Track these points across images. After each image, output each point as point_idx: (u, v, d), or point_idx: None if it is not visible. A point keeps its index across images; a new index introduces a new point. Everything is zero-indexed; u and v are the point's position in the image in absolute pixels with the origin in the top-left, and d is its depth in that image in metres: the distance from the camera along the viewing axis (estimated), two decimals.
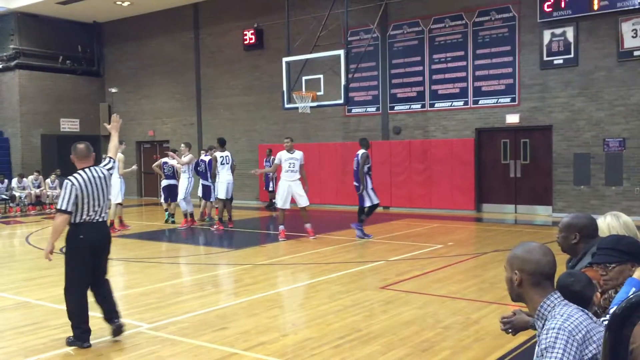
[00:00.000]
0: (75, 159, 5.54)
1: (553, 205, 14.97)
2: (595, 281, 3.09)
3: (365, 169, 11.47)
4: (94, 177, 5.42)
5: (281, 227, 11.69)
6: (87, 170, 5.44)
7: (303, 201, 11.63)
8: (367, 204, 11.55)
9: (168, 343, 5.41)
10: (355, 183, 11.64)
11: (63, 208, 5.25)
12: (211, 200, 14.67)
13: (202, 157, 15.05)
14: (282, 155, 11.72)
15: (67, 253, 5.42)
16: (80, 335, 5.32)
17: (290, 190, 11.62)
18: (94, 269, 5.48)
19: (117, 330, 5.45)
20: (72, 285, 5.40)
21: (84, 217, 5.33)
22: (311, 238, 11.56)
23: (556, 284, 2.91)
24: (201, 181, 14.85)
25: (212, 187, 14.44)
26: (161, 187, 15.18)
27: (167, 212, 14.86)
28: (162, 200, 15.17)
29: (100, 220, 5.47)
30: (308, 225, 11.71)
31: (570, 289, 2.81)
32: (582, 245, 3.63)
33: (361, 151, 11.50)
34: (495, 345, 5.15)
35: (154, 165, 15.84)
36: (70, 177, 5.37)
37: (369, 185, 11.57)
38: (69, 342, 5.37)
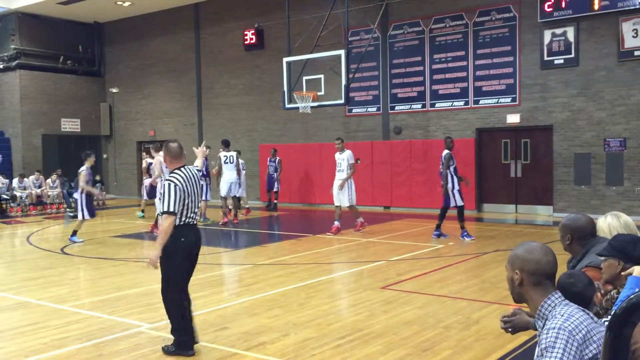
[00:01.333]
0: (168, 158, 5.27)
1: (554, 205, 14.97)
2: (597, 282, 3.10)
3: (451, 169, 11.43)
4: (190, 176, 5.17)
5: (335, 223, 12.30)
6: (182, 169, 5.16)
7: (343, 202, 12.30)
8: (452, 204, 11.47)
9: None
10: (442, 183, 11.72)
11: (170, 210, 4.95)
12: (204, 199, 14.66)
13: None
14: (336, 156, 12.58)
15: (168, 257, 5.07)
16: (185, 344, 5.06)
17: (337, 188, 12.31)
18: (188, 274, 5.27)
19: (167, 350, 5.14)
20: (175, 291, 5.15)
21: (184, 219, 5.07)
22: (354, 230, 12.20)
23: (557, 284, 2.92)
24: None
25: (204, 186, 14.52)
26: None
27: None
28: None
29: (195, 222, 5.24)
30: (359, 220, 12.37)
31: (572, 289, 2.82)
32: (576, 246, 3.65)
33: (445, 151, 11.48)
34: (496, 345, 5.15)
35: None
36: (169, 178, 5.08)
37: (455, 187, 11.44)
38: (169, 352, 5.06)
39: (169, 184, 5.01)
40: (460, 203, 11.48)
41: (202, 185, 5.39)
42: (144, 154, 17.16)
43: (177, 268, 5.09)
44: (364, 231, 12.38)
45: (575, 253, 3.69)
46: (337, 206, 12.41)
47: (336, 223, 12.30)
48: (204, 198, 14.67)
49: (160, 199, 5.78)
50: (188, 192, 5.07)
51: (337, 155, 12.46)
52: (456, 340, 5.34)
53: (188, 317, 5.17)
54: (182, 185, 5.03)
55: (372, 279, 8.19)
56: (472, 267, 8.89)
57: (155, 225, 12.32)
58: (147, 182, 14.87)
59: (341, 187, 12.23)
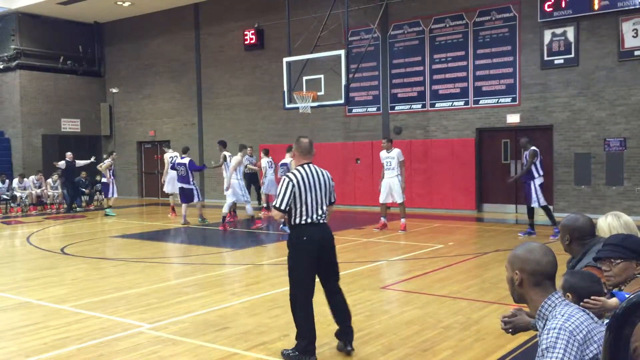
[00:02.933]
0: (297, 154, 5.15)
1: (554, 205, 14.94)
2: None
3: (533, 167, 11.29)
4: (314, 174, 5.02)
5: (382, 220, 12.68)
6: (305, 166, 5.05)
7: (397, 198, 12.40)
8: (534, 204, 11.37)
9: (169, 343, 5.41)
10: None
11: (277, 205, 4.90)
12: (195, 201, 14.64)
13: (179, 160, 15.08)
14: (381, 155, 12.70)
15: (292, 258, 5.04)
16: (306, 349, 4.89)
17: (387, 186, 12.46)
18: (324, 274, 5.14)
19: (343, 349, 5.04)
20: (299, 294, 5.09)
21: (305, 217, 4.94)
22: (400, 232, 12.18)
23: (566, 285, 2.92)
24: (181, 184, 14.73)
25: (194, 190, 14.58)
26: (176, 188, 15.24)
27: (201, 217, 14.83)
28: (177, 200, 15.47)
29: (323, 221, 5.05)
30: (402, 220, 12.42)
31: (591, 289, 2.82)
32: (575, 246, 3.66)
33: (531, 148, 11.46)
34: (496, 345, 5.15)
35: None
36: (288, 174, 5.02)
37: (535, 185, 11.29)
38: (289, 357, 4.92)
39: (284, 180, 4.95)
40: (542, 203, 11.36)
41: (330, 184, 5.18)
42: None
43: (303, 269, 5.02)
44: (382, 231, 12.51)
45: (574, 253, 3.70)
46: (382, 204, 12.66)
47: (383, 219, 12.70)
48: (193, 201, 14.66)
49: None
50: (306, 189, 4.91)
51: (385, 154, 12.58)
52: (456, 341, 5.34)
53: (310, 321, 5.03)
54: (297, 181, 4.91)
55: (372, 279, 8.19)
56: (472, 267, 8.90)
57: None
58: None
59: (402, 187, 12.40)
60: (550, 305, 2.43)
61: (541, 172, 11.42)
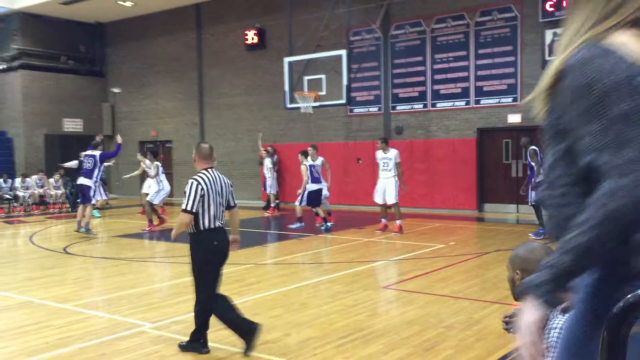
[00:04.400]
0: (198, 159, 5.30)
1: None
2: None
3: (532, 164, 11.37)
4: (216, 178, 5.21)
5: (382, 221, 12.53)
6: (209, 170, 5.22)
7: (390, 198, 12.26)
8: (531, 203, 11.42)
9: (171, 342, 5.43)
10: None
11: (188, 208, 5.01)
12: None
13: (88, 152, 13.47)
14: (377, 155, 12.56)
15: (203, 262, 5.19)
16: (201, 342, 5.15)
17: (383, 187, 12.36)
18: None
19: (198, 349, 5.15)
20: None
21: (213, 221, 5.12)
22: (394, 234, 12.00)
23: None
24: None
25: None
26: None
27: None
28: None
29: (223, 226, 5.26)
30: (398, 222, 12.24)
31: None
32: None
33: (531, 148, 11.54)
34: (497, 345, 5.16)
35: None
36: (196, 177, 5.16)
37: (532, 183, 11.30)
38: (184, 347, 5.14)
39: (192, 183, 5.08)
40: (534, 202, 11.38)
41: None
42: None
43: (214, 272, 5.20)
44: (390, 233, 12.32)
45: None
46: (381, 205, 12.53)
47: (383, 220, 12.60)
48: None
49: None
50: (212, 193, 5.11)
51: (381, 155, 12.41)
52: (458, 340, 5.36)
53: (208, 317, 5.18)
54: (205, 185, 5.08)
55: (374, 278, 8.20)
56: (473, 267, 8.91)
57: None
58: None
59: (401, 188, 12.39)
60: None
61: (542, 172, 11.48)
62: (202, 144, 5.42)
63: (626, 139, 1.42)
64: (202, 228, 5.10)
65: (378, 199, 12.48)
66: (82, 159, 13.49)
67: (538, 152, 11.45)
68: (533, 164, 11.28)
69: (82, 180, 13.04)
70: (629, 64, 1.47)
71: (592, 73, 1.47)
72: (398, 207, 12.43)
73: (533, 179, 11.31)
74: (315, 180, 12.69)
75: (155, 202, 13.61)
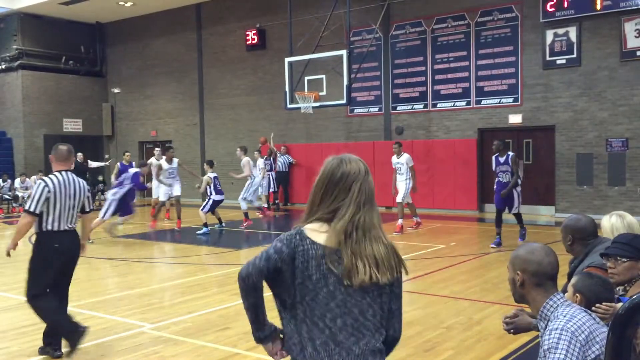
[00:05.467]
0: (55, 161, 5.25)
1: (556, 206, 14.95)
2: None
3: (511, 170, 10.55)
4: (70, 181, 5.15)
5: (399, 222, 12.52)
6: (63, 173, 5.17)
7: (397, 197, 12.59)
8: (515, 211, 10.74)
9: (171, 343, 5.41)
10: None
11: (30, 209, 4.95)
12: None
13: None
14: (393, 160, 12.80)
15: (39, 263, 5.17)
16: (73, 335, 5.08)
17: (398, 189, 12.63)
18: (62, 279, 5.24)
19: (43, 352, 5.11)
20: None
21: (57, 224, 5.06)
22: (395, 234, 12.03)
23: (579, 284, 2.90)
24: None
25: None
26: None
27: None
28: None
29: (73, 229, 5.20)
30: (399, 221, 12.41)
31: (606, 295, 2.82)
32: (577, 246, 3.65)
33: (512, 154, 10.71)
34: (498, 346, 5.14)
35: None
36: (44, 178, 5.17)
37: (518, 191, 10.66)
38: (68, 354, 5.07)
39: (40, 184, 5.06)
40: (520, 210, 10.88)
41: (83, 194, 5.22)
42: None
43: (49, 274, 5.16)
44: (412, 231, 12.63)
45: (577, 254, 3.69)
46: (399, 203, 12.69)
47: (415, 219, 12.92)
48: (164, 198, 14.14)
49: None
50: (61, 196, 5.01)
51: (395, 159, 12.70)
52: (458, 341, 5.34)
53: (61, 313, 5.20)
54: (52, 187, 5.01)
55: None
56: (474, 268, 8.89)
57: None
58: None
59: (412, 190, 12.54)
60: (552, 306, 2.43)
61: (521, 179, 10.94)
62: (60, 145, 5.34)
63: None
64: (44, 229, 5.02)
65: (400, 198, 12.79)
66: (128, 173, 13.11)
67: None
68: (513, 169, 10.45)
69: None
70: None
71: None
72: (401, 207, 12.55)
73: (516, 188, 10.54)
74: (219, 192, 13.04)
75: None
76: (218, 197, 12.94)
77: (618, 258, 3.01)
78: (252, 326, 2.45)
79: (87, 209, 5.32)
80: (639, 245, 2.98)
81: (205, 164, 14.00)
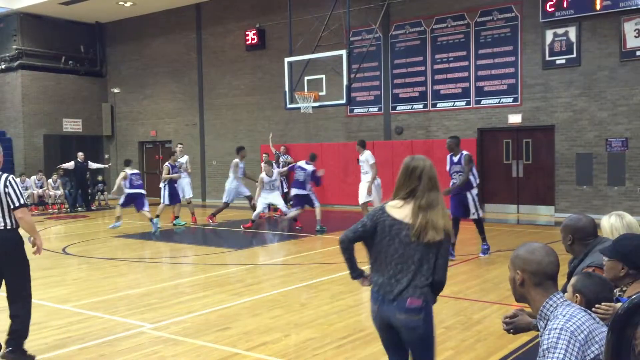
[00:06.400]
0: None
1: (555, 205, 14.95)
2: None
3: (470, 175, 9.71)
4: None
5: None
6: None
7: (360, 198, 12.31)
8: (473, 217, 9.71)
9: (170, 343, 5.41)
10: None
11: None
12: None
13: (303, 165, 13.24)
14: (359, 158, 12.67)
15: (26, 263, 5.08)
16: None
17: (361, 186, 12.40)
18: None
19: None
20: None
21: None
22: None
23: (578, 285, 2.91)
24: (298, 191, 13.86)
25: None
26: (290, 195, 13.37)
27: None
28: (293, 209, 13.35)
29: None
30: None
31: (600, 295, 2.82)
32: (577, 246, 3.65)
33: (465, 153, 9.85)
34: (497, 346, 5.15)
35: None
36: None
37: (473, 195, 9.64)
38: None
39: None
40: (481, 215, 9.90)
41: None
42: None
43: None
44: None
45: (576, 253, 3.70)
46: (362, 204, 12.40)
47: None
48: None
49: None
50: None
51: (360, 158, 12.59)
52: (458, 341, 5.34)
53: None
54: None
55: None
56: (473, 268, 8.89)
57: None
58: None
59: (368, 191, 12.20)
60: (552, 306, 2.43)
61: (478, 181, 9.79)
62: None
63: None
64: None
65: (362, 198, 12.40)
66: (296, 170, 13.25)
67: (471, 157, 9.80)
68: (473, 171, 9.62)
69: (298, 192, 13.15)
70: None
71: None
72: (365, 208, 12.19)
73: (471, 191, 9.60)
74: (135, 187, 13.63)
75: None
76: (132, 191, 13.58)
77: (604, 257, 3.06)
78: (349, 271, 3.56)
79: (16, 204, 4.94)
80: (620, 247, 3.00)
81: (124, 163, 14.78)
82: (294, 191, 13.33)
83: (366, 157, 12.18)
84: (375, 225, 3.32)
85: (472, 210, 9.62)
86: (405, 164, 3.38)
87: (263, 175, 13.74)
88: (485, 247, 9.73)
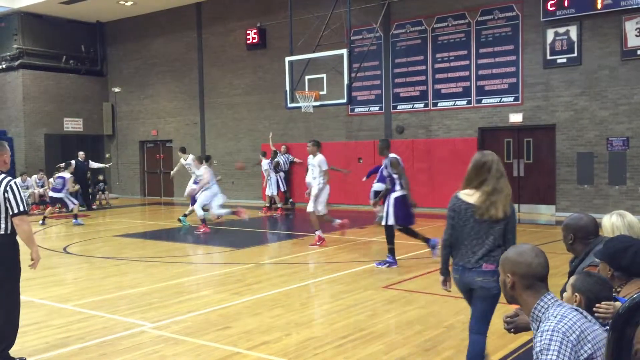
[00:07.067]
0: None
1: (556, 205, 14.94)
2: None
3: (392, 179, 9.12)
4: None
5: (317, 233, 10.89)
6: None
7: (309, 206, 10.86)
8: (384, 222, 9.04)
9: (171, 342, 5.41)
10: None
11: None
12: None
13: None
14: (308, 160, 11.38)
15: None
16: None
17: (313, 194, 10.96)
18: None
19: None
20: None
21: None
22: (311, 246, 10.78)
23: (577, 284, 2.91)
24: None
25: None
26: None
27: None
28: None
29: None
30: (317, 233, 10.87)
31: (600, 294, 2.82)
32: (579, 246, 3.65)
33: (392, 156, 9.06)
34: (498, 345, 5.14)
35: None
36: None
37: (391, 199, 8.97)
38: None
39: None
40: (391, 222, 8.96)
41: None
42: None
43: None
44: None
45: (577, 253, 3.69)
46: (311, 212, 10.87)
47: (318, 233, 10.90)
48: None
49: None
50: None
51: (310, 160, 10.99)
52: (459, 340, 5.34)
53: None
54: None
55: (374, 278, 8.18)
56: None
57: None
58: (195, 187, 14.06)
59: (316, 197, 10.73)
60: (543, 307, 2.43)
61: (399, 187, 8.99)
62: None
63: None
64: None
65: (310, 206, 10.87)
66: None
67: (400, 160, 9.08)
68: (394, 174, 8.95)
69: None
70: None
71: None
72: (313, 216, 10.79)
73: (390, 195, 8.97)
74: (53, 190, 15.14)
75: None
76: (51, 194, 15.15)
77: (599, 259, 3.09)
78: (441, 266, 4.34)
79: (14, 211, 4.74)
80: (606, 249, 3.02)
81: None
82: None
83: (319, 162, 10.68)
84: (455, 213, 4.13)
85: (382, 213, 9.11)
86: (476, 160, 4.15)
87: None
88: (387, 261, 8.91)
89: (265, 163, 16.52)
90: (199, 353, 5.11)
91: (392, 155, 9.02)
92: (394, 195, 8.91)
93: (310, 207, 10.81)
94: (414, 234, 9.23)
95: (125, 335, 5.67)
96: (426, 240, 9.21)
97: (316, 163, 10.74)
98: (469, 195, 4.08)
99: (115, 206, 20.28)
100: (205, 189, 13.08)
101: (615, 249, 2.98)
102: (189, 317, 6.24)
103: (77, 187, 17.78)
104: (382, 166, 9.45)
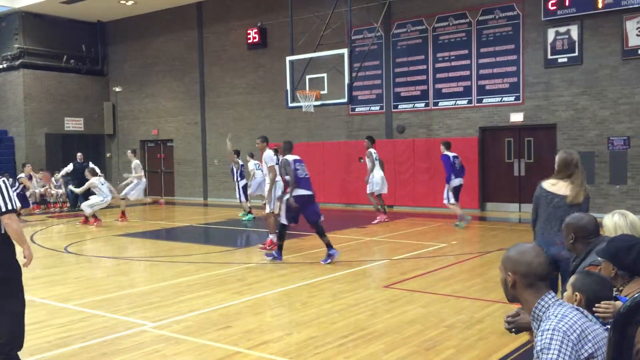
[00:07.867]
0: None
1: None
2: None
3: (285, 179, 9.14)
4: None
5: (270, 237, 10.48)
6: None
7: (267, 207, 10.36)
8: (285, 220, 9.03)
9: (172, 341, 5.42)
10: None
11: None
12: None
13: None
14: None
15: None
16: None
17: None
18: None
19: None
20: None
21: None
22: (261, 249, 10.42)
23: (578, 283, 2.91)
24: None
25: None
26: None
27: None
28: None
29: None
30: (270, 236, 10.44)
31: (600, 294, 2.82)
32: (579, 245, 3.66)
33: (284, 158, 9.12)
34: (499, 345, 5.14)
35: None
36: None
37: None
38: None
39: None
40: (284, 221, 9.06)
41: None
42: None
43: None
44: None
45: (578, 252, 3.70)
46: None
47: (270, 237, 10.40)
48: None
49: None
50: None
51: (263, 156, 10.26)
52: (459, 340, 5.34)
53: None
54: None
55: (375, 277, 8.18)
56: (475, 266, 8.89)
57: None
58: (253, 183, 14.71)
59: (268, 198, 10.15)
60: (544, 307, 2.44)
61: (294, 185, 9.05)
62: None
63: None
64: None
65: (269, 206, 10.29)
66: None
67: (290, 162, 9.14)
68: (281, 173, 9.16)
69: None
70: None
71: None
72: (269, 218, 10.32)
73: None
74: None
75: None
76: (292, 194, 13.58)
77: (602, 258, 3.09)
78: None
79: (2, 209, 4.61)
80: (610, 248, 3.02)
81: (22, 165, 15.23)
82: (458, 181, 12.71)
83: (266, 157, 10.06)
84: (538, 199, 5.04)
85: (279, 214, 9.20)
86: (564, 157, 4.96)
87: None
88: (332, 253, 9.00)
89: (251, 164, 16.44)
90: (199, 352, 5.11)
91: (282, 157, 9.19)
92: (286, 196, 9.08)
93: (267, 210, 10.29)
94: (321, 234, 9.16)
95: (126, 334, 5.67)
96: (329, 247, 9.07)
97: (263, 158, 10.17)
98: (552, 185, 4.97)
99: (115, 206, 20.27)
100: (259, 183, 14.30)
101: (619, 247, 2.98)
102: (189, 317, 6.25)
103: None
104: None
